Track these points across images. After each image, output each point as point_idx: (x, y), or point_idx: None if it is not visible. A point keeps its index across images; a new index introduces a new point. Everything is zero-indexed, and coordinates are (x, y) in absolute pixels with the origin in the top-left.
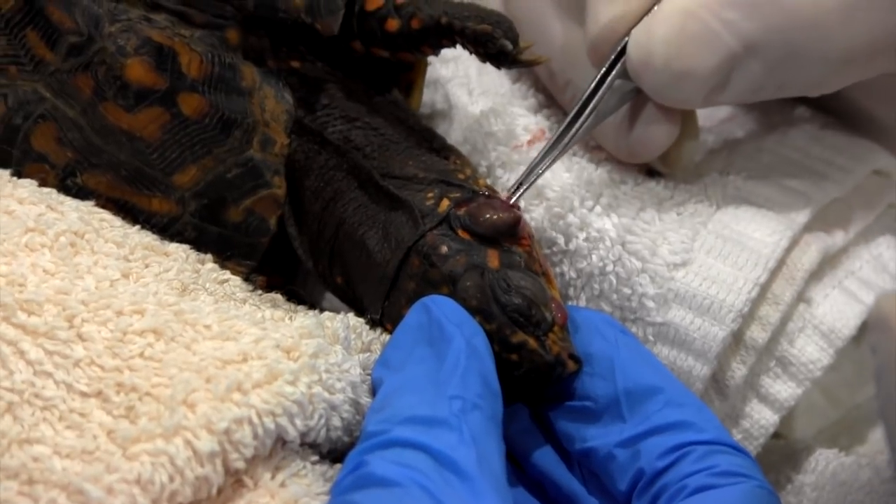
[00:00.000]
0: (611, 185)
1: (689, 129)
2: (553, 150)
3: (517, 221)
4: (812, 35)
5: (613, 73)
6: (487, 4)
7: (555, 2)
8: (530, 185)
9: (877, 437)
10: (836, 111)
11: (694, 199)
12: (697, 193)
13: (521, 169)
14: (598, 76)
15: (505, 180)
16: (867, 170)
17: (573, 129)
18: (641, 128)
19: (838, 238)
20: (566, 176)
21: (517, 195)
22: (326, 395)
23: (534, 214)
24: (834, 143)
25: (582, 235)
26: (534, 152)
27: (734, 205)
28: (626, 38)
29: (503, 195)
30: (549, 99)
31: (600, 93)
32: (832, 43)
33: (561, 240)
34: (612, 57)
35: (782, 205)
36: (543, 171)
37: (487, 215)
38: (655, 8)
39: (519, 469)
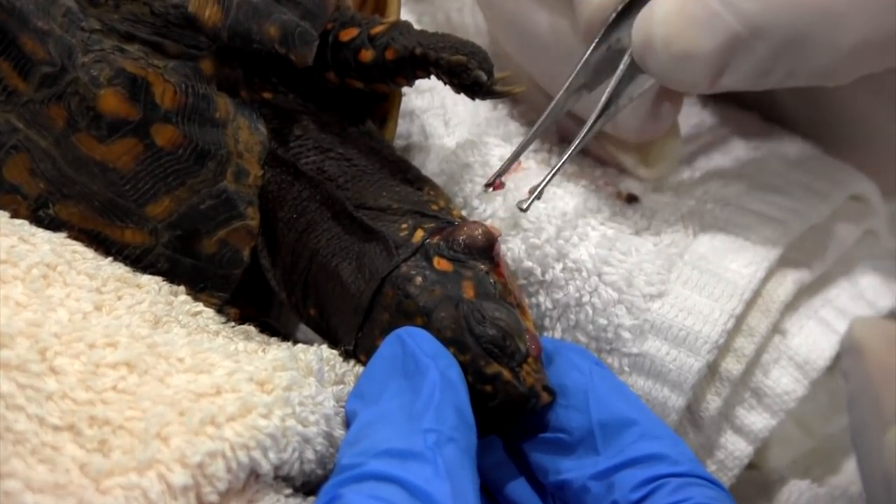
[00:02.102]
0: (587, 215)
1: (671, 128)
2: (579, 140)
3: (493, 238)
4: (819, 20)
5: (623, 64)
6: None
7: None
8: (552, 176)
9: (850, 467)
10: (824, 118)
11: (671, 229)
12: (674, 223)
13: (499, 200)
14: (587, 54)
15: (481, 211)
16: (845, 195)
17: (593, 118)
18: (648, 104)
19: (815, 266)
20: (543, 207)
21: (544, 182)
22: (300, 427)
23: (510, 245)
24: (812, 167)
25: (559, 266)
26: (510, 183)
27: (711, 235)
28: (614, 14)
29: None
30: (526, 127)
31: (613, 81)
32: (842, 30)
33: (537, 270)
34: (600, 34)
35: (759, 234)
36: (568, 159)
37: (464, 233)
38: None
39: (493, 502)
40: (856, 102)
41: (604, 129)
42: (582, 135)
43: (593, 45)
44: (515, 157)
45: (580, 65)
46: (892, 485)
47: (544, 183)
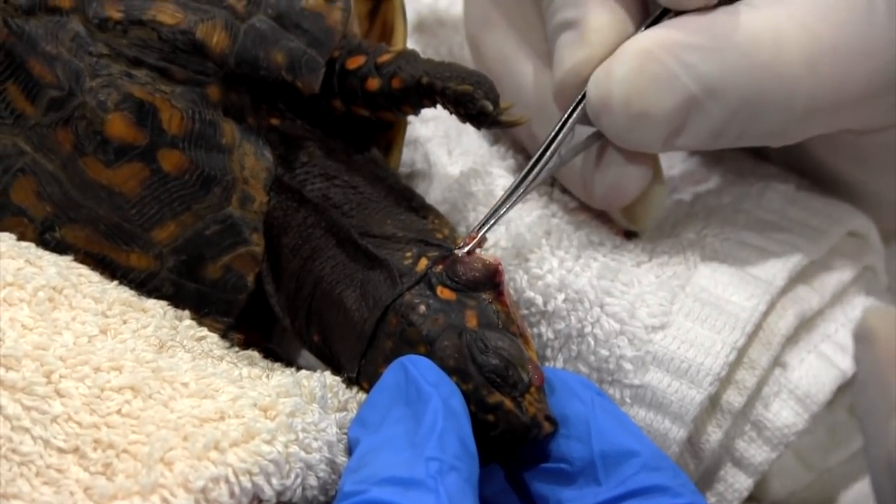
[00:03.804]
0: (590, 246)
1: (655, 177)
2: (516, 192)
3: (497, 268)
4: (774, 83)
5: (574, 116)
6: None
7: (526, 49)
8: (492, 224)
9: (847, 500)
10: (804, 170)
11: (672, 261)
12: (676, 256)
13: (501, 230)
14: (562, 120)
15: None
16: (843, 231)
17: (536, 171)
18: (613, 172)
19: (814, 301)
20: (546, 238)
21: (480, 234)
22: (303, 454)
23: (512, 275)
24: (809, 204)
25: (561, 297)
26: (514, 212)
27: (712, 268)
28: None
29: (467, 238)
30: (528, 160)
31: (562, 135)
32: (795, 92)
33: (539, 300)
34: (576, 101)
35: (759, 268)
36: (506, 212)
37: (468, 262)
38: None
39: None
40: (828, 163)
41: (578, 195)
42: (521, 187)
43: (569, 109)
44: (486, 221)
45: (550, 135)
46: (895, 468)
47: (483, 230)
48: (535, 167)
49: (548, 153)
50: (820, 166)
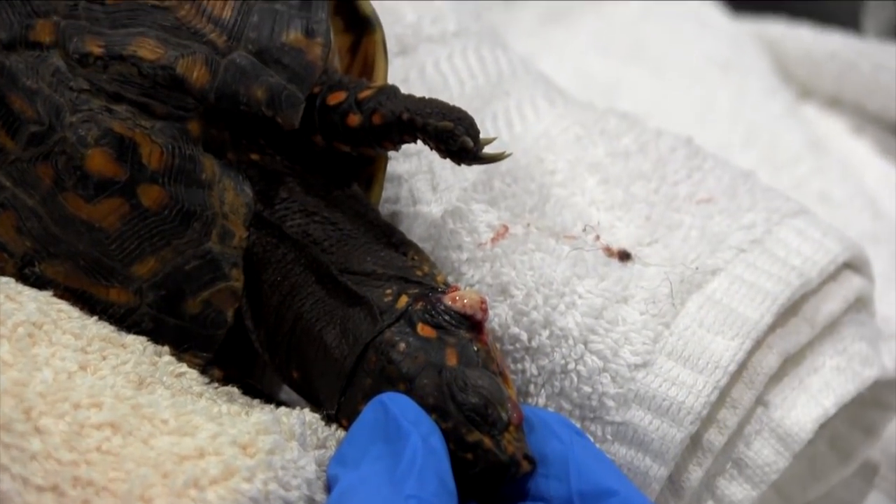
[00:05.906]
0: (575, 282)
1: None
2: None
3: (477, 306)
4: None
5: None
6: None
7: None
8: None
9: None
10: None
11: (659, 297)
12: (663, 292)
13: (486, 266)
14: None
15: (469, 277)
16: (838, 263)
17: None
18: None
19: (805, 333)
20: (530, 274)
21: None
22: (282, 491)
23: (498, 311)
24: (806, 234)
25: (545, 333)
26: (498, 249)
27: (699, 304)
28: None
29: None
30: (511, 186)
31: None
32: None
33: (524, 336)
34: None
35: (748, 305)
36: None
37: (448, 300)
38: None
39: None
40: None
41: None
42: None
43: None
44: None
45: None
46: None
47: None
48: None
49: None
50: None
